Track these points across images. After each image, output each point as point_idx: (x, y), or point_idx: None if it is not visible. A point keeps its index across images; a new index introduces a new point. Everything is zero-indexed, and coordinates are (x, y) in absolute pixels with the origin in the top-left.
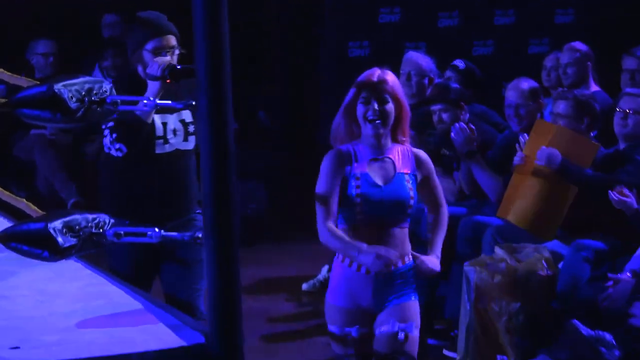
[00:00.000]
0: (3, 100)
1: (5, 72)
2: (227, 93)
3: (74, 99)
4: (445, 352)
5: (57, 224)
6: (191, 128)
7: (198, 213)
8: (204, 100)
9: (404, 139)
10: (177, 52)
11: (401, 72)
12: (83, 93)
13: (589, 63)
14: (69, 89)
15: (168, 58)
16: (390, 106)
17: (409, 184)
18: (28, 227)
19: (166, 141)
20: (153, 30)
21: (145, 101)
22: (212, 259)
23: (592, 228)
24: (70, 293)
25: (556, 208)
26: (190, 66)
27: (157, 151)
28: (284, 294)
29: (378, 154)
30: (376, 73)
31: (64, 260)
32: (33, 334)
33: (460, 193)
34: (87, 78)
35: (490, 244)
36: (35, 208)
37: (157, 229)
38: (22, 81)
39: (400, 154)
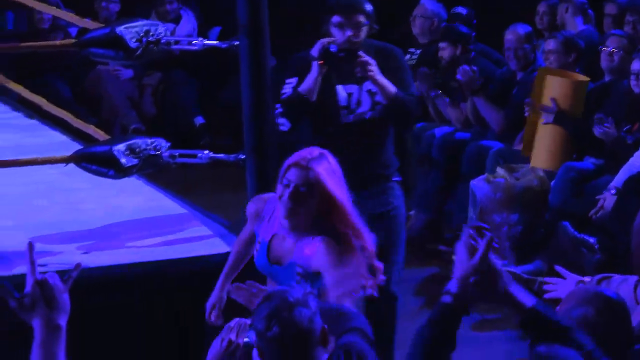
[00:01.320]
0: (74, 41)
1: (75, 16)
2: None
3: (133, 40)
4: (454, 257)
5: (121, 146)
6: (378, 98)
7: (395, 181)
8: (245, 40)
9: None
10: (364, 28)
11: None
12: (141, 34)
13: (570, 7)
14: (129, 30)
15: (349, 33)
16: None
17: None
18: (96, 149)
19: (351, 111)
20: (339, 5)
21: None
22: (254, 177)
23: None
24: (131, 206)
25: (567, 146)
26: (351, 50)
27: (343, 121)
28: None
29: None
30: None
31: (126, 178)
32: (100, 241)
33: (466, 121)
34: (145, 21)
35: (492, 165)
36: (102, 133)
37: (206, 151)
38: (89, 24)
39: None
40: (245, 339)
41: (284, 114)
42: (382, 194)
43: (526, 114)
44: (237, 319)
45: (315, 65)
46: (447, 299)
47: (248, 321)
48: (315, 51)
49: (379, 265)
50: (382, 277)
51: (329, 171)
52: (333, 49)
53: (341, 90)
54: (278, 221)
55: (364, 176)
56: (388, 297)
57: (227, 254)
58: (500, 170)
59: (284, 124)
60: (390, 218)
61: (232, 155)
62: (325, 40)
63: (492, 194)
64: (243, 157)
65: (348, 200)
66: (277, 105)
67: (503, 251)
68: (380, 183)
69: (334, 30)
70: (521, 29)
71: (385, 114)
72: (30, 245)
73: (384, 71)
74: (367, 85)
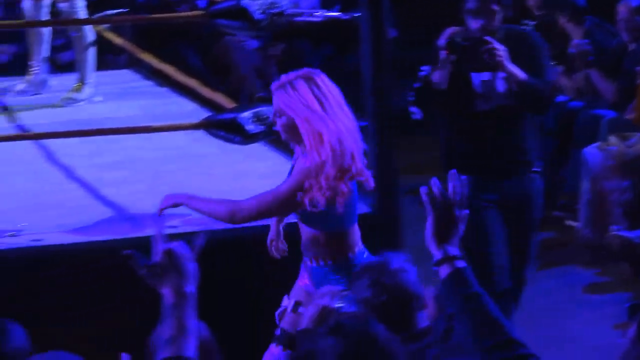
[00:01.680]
0: (203, 12)
1: None
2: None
3: (258, 12)
4: (568, 222)
5: (247, 114)
6: (514, 86)
7: (534, 171)
8: (366, 13)
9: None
10: (498, 16)
11: None
12: (266, 7)
13: None
14: (255, 3)
15: (482, 21)
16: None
17: None
18: (223, 116)
19: (486, 99)
20: None
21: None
22: (374, 143)
23: None
24: (258, 171)
25: None
26: (477, 38)
27: (478, 109)
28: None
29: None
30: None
31: (252, 144)
32: None
33: (579, 90)
34: None
35: (605, 133)
36: (229, 101)
37: None
38: None
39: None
40: (339, 304)
41: (416, 102)
42: (521, 184)
43: (638, 82)
44: (328, 286)
45: (442, 54)
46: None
47: (340, 287)
48: (441, 41)
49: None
50: None
51: (288, 95)
52: (458, 38)
53: (476, 78)
54: None
55: (503, 164)
56: (520, 281)
57: None
58: (612, 138)
59: (416, 112)
60: (528, 209)
61: None
62: (451, 29)
63: (605, 161)
64: (364, 124)
65: (314, 119)
66: (410, 94)
67: (616, 217)
68: (520, 171)
69: (468, 17)
70: (633, 2)
71: (517, 101)
72: (161, 211)
73: (516, 56)
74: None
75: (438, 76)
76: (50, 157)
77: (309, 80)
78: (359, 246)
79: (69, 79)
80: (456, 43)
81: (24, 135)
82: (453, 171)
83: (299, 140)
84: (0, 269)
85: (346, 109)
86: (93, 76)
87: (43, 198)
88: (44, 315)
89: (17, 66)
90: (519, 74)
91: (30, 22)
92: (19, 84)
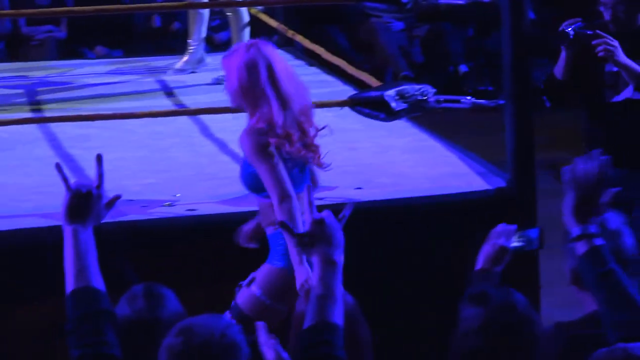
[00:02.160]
0: None
1: None
2: None
3: None
4: None
5: (391, 92)
6: (631, 80)
7: None
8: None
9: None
10: (619, 8)
11: None
12: None
13: None
14: None
15: (607, 17)
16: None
17: None
18: (369, 94)
19: (617, 91)
20: None
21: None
22: (512, 121)
23: None
24: (400, 146)
25: None
26: (590, 32)
27: (609, 100)
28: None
29: None
30: None
31: (395, 120)
32: (373, 177)
33: None
34: None
35: None
36: (375, 79)
37: (468, 97)
38: None
39: None
40: (515, 244)
41: (544, 92)
42: None
43: None
44: (502, 224)
45: (562, 46)
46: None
47: (513, 227)
48: (563, 26)
49: None
50: None
51: (229, 64)
52: (571, 32)
53: (606, 70)
54: None
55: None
56: None
57: (485, 191)
58: None
59: (545, 101)
60: None
61: (493, 101)
62: (568, 21)
63: None
64: (502, 102)
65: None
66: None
67: None
68: None
69: (601, 8)
70: None
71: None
72: (309, 189)
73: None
74: None
75: (558, 67)
76: (205, 131)
77: (252, 48)
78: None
79: None
80: (567, 36)
81: (181, 110)
82: (596, 151)
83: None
84: (156, 238)
85: (294, 80)
86: None
87: (198, 170)
88: (195, 280)
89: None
90: (635, 67)
91: (190, 4)
92: (178, 61)
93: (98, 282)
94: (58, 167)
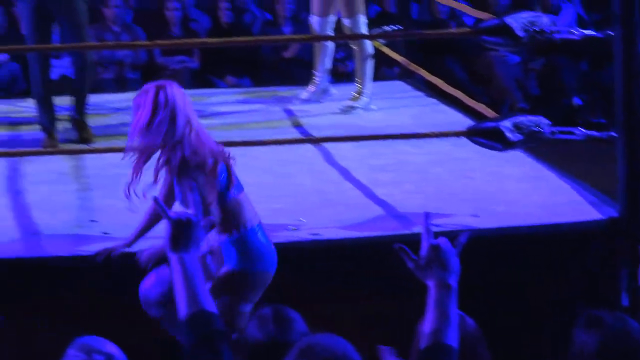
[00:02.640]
0: (470, 30)
1: (469, 8)
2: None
3: (520, 29)
4: None
5: (507, 123)
6: None
7: None
8: (619, 32)
9: None
10: None
11: None
12: (527, 24)
13: None
14: (517, 21)
15: None
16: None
17: None
18: (486, 125)
19: None
20: None
21: None
22: (623, 152)
23: None
24: (515, 175)
25: None
26: None
27: None
28: None
29: None
30: None
31: (511, 151)
32: (488, 205)
33: None
34: (530, 13)
35: None
36: (491, 111)
37: (582, 129)
38: (482, 15)
39: None
40: None
41: None
42: None
43: None
44: None
45: None
46: None
47: None
48: None
49: None
50: None
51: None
52: None
53: None
54: None
55: None
56: None
57: (597, 220)
58: None
59: None
60: None
61: (605, 133)
62: None
63: None
64: (614, 134)
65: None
66: None
67: None
68: None
69: None
70: None
71: None
72: (427, 215)
73: None
74: None
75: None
76: (329, 159)
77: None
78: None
79: (348, 89)
80: None
81: (306, 139)
82: None
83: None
84: (281, 260)
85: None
86: (370, 86)
87: (322, 196)
88: (318, 301)
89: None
90: None
91: (317, 37)
92: (304, 92)
93: (209, 304)
94: (156, 200)
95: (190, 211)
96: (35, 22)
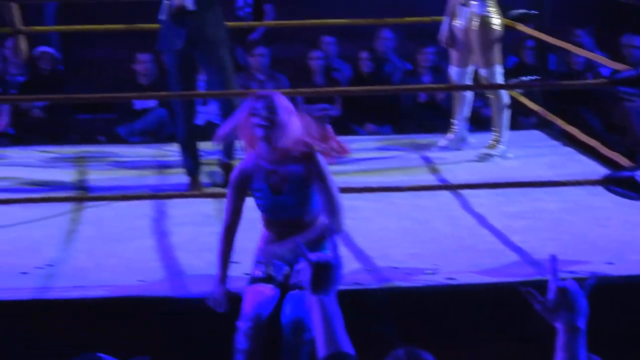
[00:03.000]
0: (606, 80)
1: (606, 59)
2: None
3: None
4: None
5: None
6: None
7: None
8: None
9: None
10: None
11: None
12: None
13: None
14: None
15: None
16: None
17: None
18: (621, 174)
19: None
20: None
21: None
22: None
23: None
24: None
25: None
26: None
27: None
28: None
29: None
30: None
31: None
32: (624, 253)
33: None
34: None
35: None
36: (627, 160)
37: None
38: (618, 66)
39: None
40: None
41: None
42: None
43: None
44: None
45: None
46: None
47: None
48: None
49: None
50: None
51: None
52: None
53: None
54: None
55: None
56: None
57: None
58: None
59: None
60: None
61: None
62: None
63: None
64: None
65: None
66: None
67: None
68: None
69: None
70: None
71: None
72: (554, 258)
73: None
74: None
75: None
76: (466, 205)
77: None
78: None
79: (485, 137)
80: None
81: (443, 185)
82: None
83: None
84: (417, 303)
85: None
86: (507, 135)
87: (458, 241)
88: (452, 345)
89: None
90: None
91: (455, 86)
92: (442, 140)
93: (347, 346)
94: (299, 245)
95: (328, 254)
96: (182, 70)
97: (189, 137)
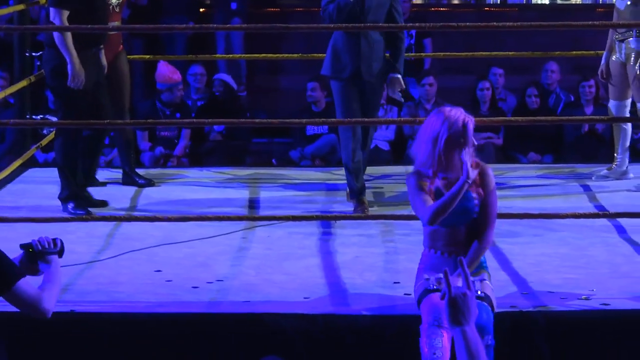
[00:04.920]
0: None
1: None
2: None
3: None
4: None
5: None
6: None
7: None
8: None
9: None
10: None
11: None
12: None
13: None
14: None
15: None
16: None
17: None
18: None
19: None
20: None
21: None
22: None
23: None
24: None
25: None
26: None
27: None
28: None
29: None
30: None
31: None
32: None
33: None
34: None
35: None
36: None
37: None
38: None
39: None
40: None
41: None
42: None
43: None
44: None
45: None
46: None
47: None
48: None
49: None
50: None
51: None
52: None
53: None
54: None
55: None
56: None
57: None
58: None
59: None
60: None
61: None
62: None
63: None
64: None
65: None
66: None
67: None
68: None
69: None
70: None
71: None
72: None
73: None
74: None
75: None
76: (623, 233)
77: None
78: None
79: None
80: None
81: (602, 213)
82: None
83: None
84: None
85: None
86: None
87: (613, 268)
88: None
89: None
90: None
91: (613, 118)
92: (603, 170)
93: None
94: (445, 274)
95: (460, 285)
96: (347, 99)
97: (353, 161)
